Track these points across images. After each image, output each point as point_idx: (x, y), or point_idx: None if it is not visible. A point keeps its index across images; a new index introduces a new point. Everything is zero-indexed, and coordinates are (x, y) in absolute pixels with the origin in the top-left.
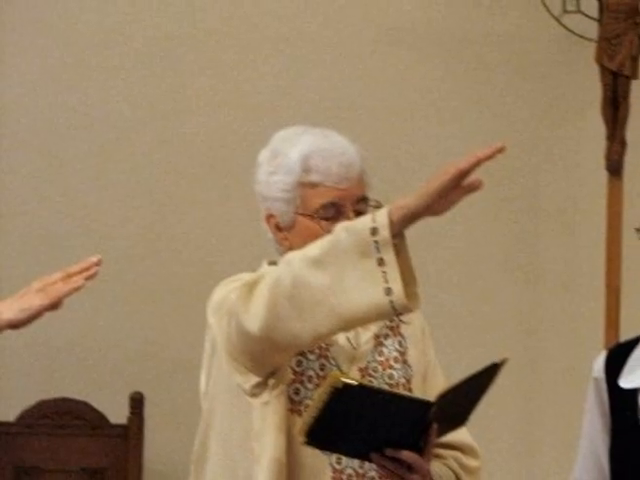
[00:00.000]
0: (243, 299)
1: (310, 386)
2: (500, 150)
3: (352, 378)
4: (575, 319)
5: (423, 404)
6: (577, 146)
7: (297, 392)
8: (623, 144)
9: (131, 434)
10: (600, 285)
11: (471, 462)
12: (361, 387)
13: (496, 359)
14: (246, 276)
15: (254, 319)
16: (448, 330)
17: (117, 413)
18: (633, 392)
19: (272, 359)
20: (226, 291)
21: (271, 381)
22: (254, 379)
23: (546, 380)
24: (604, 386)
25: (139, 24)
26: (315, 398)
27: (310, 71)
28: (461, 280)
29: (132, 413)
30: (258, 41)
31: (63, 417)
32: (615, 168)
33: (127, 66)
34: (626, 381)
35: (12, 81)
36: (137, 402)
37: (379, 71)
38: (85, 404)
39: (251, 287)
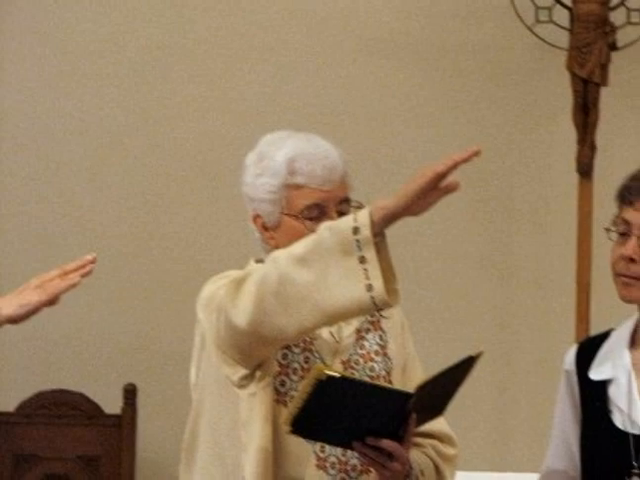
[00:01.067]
0: (231, 295)
1: (295, 378)
2: (476, 153)
3: (335, 370)
4: (547, 314)
5: (403, 395)
6: (549, 150)
7: (283, 384)
8: (593, 148)
9: (125, 424)
10: (571, 282)
11: (448, 450)
12: (343, 379)
13: (472, 352)
14: (234, 273)
15: (242, 314)
16: (426, 324)
17: (111, 404)
18: (602, 384)
19: (259, 352)
20: (215, 287)
21: (258, 373)
22: (242, 371)
23: (519, 372)
24: (575, 378)
25: (132, 34)
26: (300, 389)
27: (294, 79)
28: (439, 277)
29: (126, 404)
30: (245, 50)
31: (60, 407)
32: (585, 170)
33: (120, 74)
34: (596, 373)
35: (11, 88)
36: (130, 393)
37: (360, 79)
38: (81, 395)
39: (239, 284)
